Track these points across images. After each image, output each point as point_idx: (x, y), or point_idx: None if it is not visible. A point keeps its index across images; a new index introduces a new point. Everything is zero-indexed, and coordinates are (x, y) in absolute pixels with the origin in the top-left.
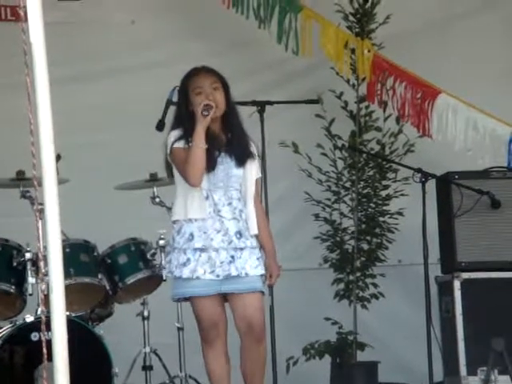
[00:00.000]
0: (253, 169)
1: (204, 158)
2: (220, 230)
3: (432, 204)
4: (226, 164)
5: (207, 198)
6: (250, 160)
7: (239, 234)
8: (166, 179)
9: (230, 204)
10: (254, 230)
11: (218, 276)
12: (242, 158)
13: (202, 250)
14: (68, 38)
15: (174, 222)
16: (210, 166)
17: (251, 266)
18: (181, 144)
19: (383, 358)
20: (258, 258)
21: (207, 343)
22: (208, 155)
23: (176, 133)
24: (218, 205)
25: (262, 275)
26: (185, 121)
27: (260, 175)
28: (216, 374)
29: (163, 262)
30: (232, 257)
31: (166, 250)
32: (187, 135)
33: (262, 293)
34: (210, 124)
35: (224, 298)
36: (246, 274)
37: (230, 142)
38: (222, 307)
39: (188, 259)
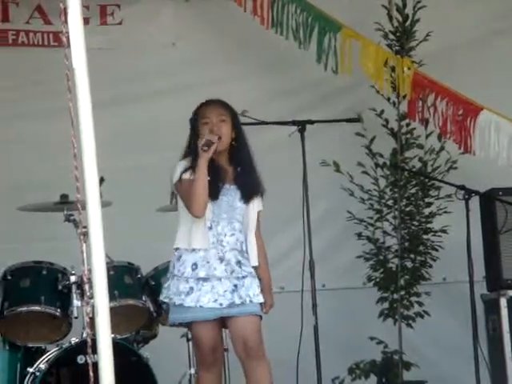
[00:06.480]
0: (255, 202)
1: (206, 190)
2: (222, 260)
3: (476, 221)
4: (230, 196)
5: (211, 228)
6: (255, 196)
7: (240, 263)
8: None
9: (232, 235)
10: (255, 262)
11: (221, 304)
12: (248, 194)
13: (204, 279)
14: (110, 62)
15: (176, 249)
16: (213, 196)
17: (254, 293)
18: (187, 175)
19: (430, 377)
20: (258, 286)
21: (204, 367)
22: (211, 186)
23: (184, 163)
24: (221, 235)
25: (261, 303)
26: (193, 151)
27: (261, 208)
28: None
29: None
30: (235, 285)
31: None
32: (194, 166)
33: (260, 317)
34: (215, 156)
35: (222, 323)
36: (251, 301)
37: (239, 175)
38: (220, 332)
39: (191, 288)
